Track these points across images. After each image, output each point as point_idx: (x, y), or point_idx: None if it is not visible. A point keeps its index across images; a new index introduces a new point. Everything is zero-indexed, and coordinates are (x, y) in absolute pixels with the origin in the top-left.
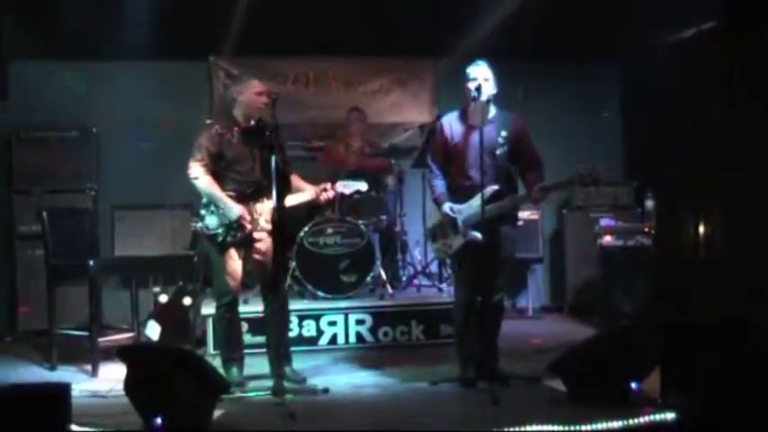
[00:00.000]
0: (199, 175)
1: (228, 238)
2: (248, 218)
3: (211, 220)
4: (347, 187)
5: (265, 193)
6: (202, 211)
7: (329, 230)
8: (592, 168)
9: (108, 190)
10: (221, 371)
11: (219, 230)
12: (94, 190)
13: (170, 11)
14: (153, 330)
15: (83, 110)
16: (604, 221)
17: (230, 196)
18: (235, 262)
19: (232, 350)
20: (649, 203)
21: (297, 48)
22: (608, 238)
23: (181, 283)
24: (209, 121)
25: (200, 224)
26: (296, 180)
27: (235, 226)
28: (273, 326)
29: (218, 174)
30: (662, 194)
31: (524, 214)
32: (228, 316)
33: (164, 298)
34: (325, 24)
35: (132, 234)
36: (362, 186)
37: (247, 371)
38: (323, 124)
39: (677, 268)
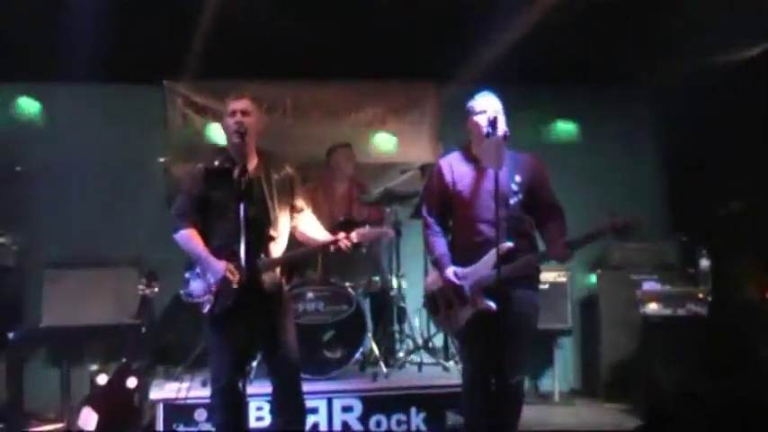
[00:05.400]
0: (178, 227)
1: (217, 308)
2: (235, 277)
3: (196, 286)
4: (366, 236)
5: (262, 248)
6: (187, 275)
7: (310, 295)
8: (628, 217)
9: (37, 244)
10: None
11: (205, 298)
12: (18, 243)
13: (116, 24)
14: (88, 420)
15: (5, 143)
16: (648, 285)
17: (216, 252)
18: (230, 336)
19: None
20: (703, 263)
21: (271, 70)
22: (652, 306)
23: (125, 360)
24: (162, 159)
25: (183, 291)
26: (305, 227)
27: (221, 290)
28: (281, 414)
29: (206, 224)
30: (718, 251)
31: (549, 276)
32: (225, 404)
33: (103, 378)
34: (305, 42)
35: (66, 298)
36: (388, 233)
37: None
38: (302, 163)
39: (737, 343)
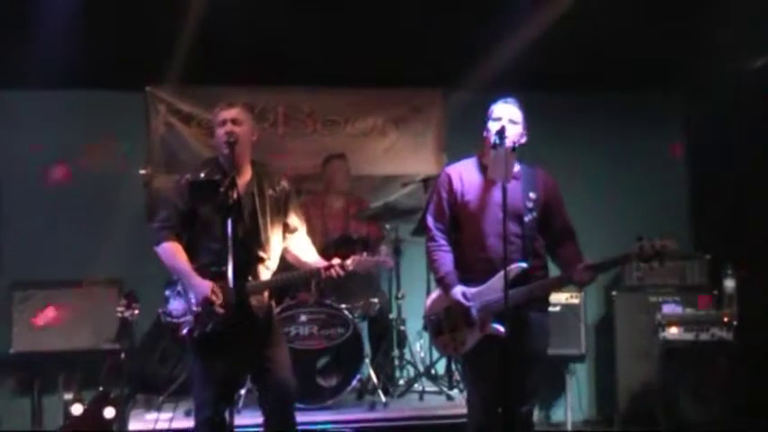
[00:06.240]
0: (160, 239)
1: (197, 331)
2: (219, 299)
3: (176, 305)
4: (362, 264)
5: (251, 270)
6: (167, 292)
7: (303, 318)
8: (658, 244)
9: (5, 261)
10: None
11: (185, 318)
12: None
13: (94, 25)
14: None
15: None
16: (668, 307)
17: (200, 272)
18: (215, 363)
19: None
20: (729, 283)
21: (263, 75)
22: (673, 330)
23: (102, 388)
24: (143, 171)
25: (161, 310)
26: (297, 249)
27: (203, 312)
28: None
29: (192, 240)
30: (746, 271)
31: (561, 297)
32: None
33: (78, 408)
34: (300, 46)
35: (37, 321)
36: (387, 262)
37: None
38: (296, 176)
39: (766, 371)
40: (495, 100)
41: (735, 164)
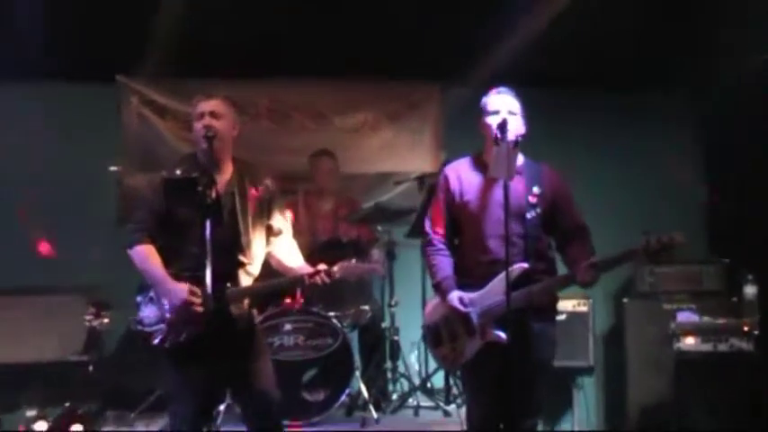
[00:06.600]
0: (133, 241)
1: (169, 340)
2: (198, 298)
3: (148, 313)
4: (350, 271)
5: (230, 275)
6: (138, 299)
7: (287, 327)
8: (665, 237)
9: None
10: None
11: (157, 327)
12: None
13: (61, 11)
14: None
15: None
16: (683, 316)
17: (179, 277)
18: (192, 376)
19: None
20: (749, 290)
21: (245, 66)
22: (689, 340)
23: (68, 404)
24: (113, 168)
25: (132, 318)
26: (281, 253)
27: (178, 320)
28: None
29: (168, 243)
30: (766, 276)
31: (567, 304)
32: None
33: (41, 425)
34: (285, 34)
35: None
36: (377, 269)
37: None
38: (281, 174)
39: None
40: (487, 91)
41: (735, 164)
